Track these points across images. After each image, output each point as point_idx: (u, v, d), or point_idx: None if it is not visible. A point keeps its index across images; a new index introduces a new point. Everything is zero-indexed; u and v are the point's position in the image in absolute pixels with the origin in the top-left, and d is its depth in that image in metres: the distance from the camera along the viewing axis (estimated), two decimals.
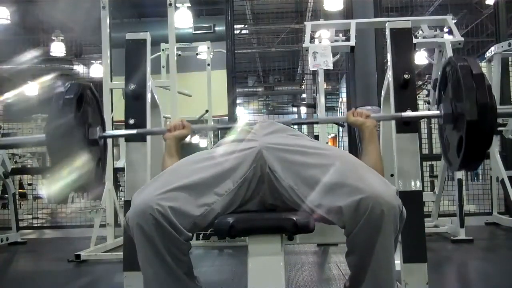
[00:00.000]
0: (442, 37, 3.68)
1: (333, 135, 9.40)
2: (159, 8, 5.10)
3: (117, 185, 4.86)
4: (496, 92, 4.21)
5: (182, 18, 5.13)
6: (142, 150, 1.89)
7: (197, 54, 5.50)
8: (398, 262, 1.60)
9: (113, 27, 4.16)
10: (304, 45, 3.60)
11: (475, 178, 7.16)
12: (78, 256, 3.27)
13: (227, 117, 5.36)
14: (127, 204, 1.77)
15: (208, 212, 1.33)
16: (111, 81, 3.93)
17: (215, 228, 1.31)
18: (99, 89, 3.68)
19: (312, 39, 3.94)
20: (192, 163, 1.42)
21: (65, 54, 8.78)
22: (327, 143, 4.40)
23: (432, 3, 7.99)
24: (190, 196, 1.31)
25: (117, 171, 4.72)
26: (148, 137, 1.92)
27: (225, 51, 5.27)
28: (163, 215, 1.24)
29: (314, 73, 5.72)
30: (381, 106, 2.20)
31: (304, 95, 10.64)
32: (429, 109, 4.17)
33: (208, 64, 5.15)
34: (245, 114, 10.83)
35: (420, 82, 5.06)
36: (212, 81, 5.20)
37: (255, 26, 9.56)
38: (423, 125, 5.57)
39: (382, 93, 2.15)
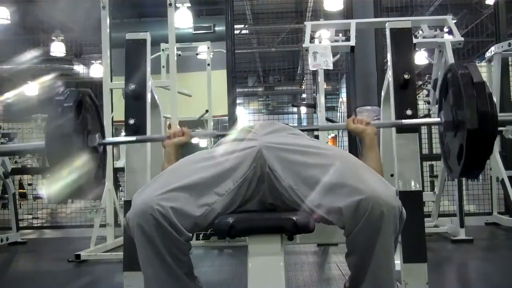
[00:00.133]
0: (442, 37, 3.67)
1: (333, 135, 9.42)
2: (159, 8, 5.10)
3: (117, 185, 4.86)
4: (496, 92, 4.22)
5: (182, 18, 5.13)
6: (142, 151, 1.90)
7: (197, 54, 5.50)
8: (398, 262, 1.60)
9: (113, 27, 4.16)
10: (304, 45, 3.59)
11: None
12: (78, 256, 3.28)
13: (227, 117, 5.35)
14: (127, 204, 1.78)
15: (209, 212, 1.33)
16: (111, 81, 3.93)
17: (215, 228, 1.31)
18: (99, 89, 3.69)
19: (312, 39, 3.94)
20: (192, 163, 1.42)
21: (65, 54, 8.78)
22: (327, 143, 4.40)
23: (432, 3, 7.98)
24: (191, 196, 1.31)
25: (117, 171, 4.72)
26: None
27: (225, 51, 5.26)
28: (164, 216, 1.24)
29: (314, 73, 5.74)
30: (381, 106, 2.20)
31: (304, 95, 10.62)
32: (429, 109, 4.18)
33: (208, 64, 5.14)
34: (245, 114, 10.83)
35: (420, 82, 5.06)
36: (212, 81, 5.19)
37: (255, 26, 9.55)
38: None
39: (382, 93, 2.15)
